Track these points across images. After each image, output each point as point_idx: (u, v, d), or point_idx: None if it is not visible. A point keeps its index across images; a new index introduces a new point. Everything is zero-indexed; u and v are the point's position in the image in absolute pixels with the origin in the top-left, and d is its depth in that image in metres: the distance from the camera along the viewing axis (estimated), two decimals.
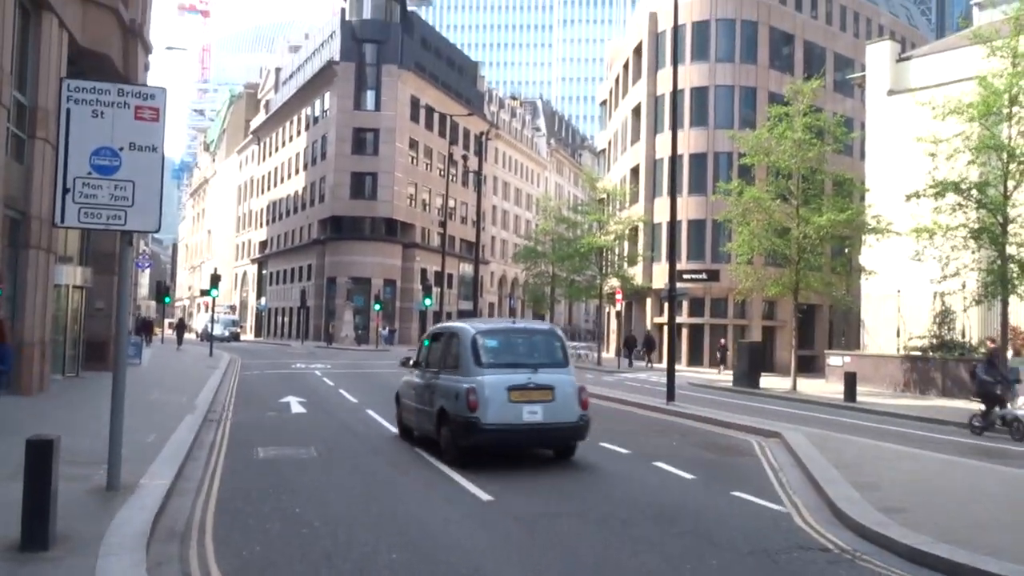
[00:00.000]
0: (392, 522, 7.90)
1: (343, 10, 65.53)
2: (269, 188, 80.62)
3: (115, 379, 8.45)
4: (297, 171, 71.97)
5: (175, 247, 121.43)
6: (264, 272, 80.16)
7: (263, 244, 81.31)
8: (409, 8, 71.71)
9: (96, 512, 7.29)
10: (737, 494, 9.53)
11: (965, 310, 25.98)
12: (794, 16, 46.70)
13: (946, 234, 21.12)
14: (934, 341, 28.13)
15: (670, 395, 19.57)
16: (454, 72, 74.16)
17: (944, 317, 28.11)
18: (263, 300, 78.03)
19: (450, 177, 50.93)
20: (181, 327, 50.77)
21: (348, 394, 20.87)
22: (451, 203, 64.10)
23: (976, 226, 20.74)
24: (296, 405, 18.01)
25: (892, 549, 7.23)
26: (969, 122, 20.79)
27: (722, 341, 40.11)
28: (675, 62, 22.66)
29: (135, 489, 8.17)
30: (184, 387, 19.79)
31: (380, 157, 62.29)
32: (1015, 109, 20.43)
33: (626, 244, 45.42)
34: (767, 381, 29.78)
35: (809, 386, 28.82)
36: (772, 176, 29.72)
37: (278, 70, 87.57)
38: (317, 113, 68.18)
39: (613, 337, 52.83)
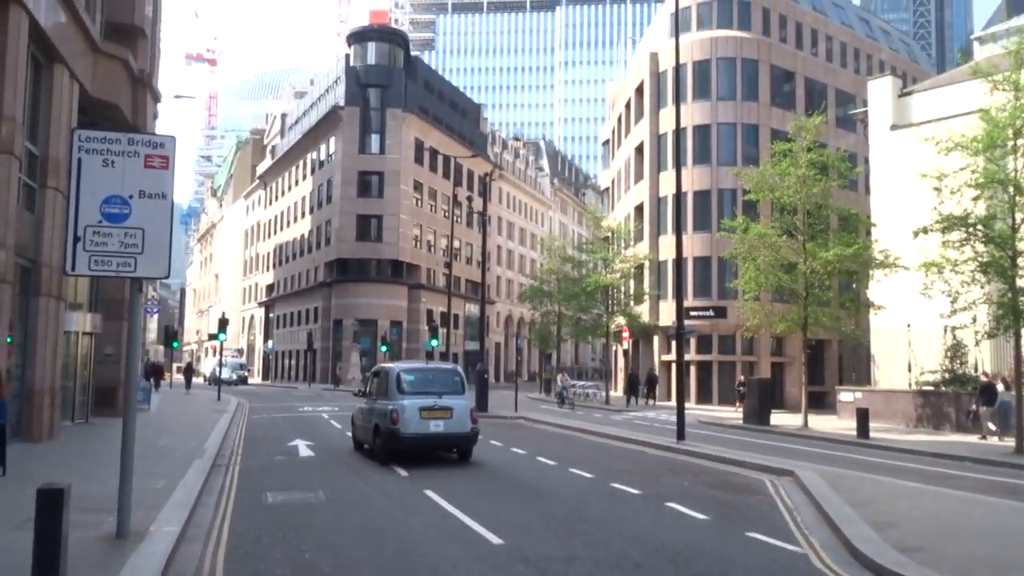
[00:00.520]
0: (403, 566, 7.82)
1: (348, 56, 66.41)
2: (275, 232, 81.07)
3: (125, 426, 8.43)
4: (303, 215, 72.40)
5: (183, 292, 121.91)
6: (271, 315, 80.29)
7: (270, 287, 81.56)
8: (412, 53, 72.64)
9: (106, 560, 7.23)
10: (752, 535, 9.42)
11: (977, 344, 25.82)
12: (794, 54, 47.11)
13: (955, 268, 21.06)
14: (946, 375, 27.93)
15: (680, 434, 19.43)
16: (457, 115, 74.89)
17: (955, 351, 27.94)
18: (270, 343, 78.06)
19: (455, 218, 51.23)
20: (189, 371, 51.04)
21: None
22: (456, 244, 64.34)
23: (985, 260, 20.66)
24: (304, 448, 17.92)
25: None
26: (973, 156, 20.84)
27: (741, 378, 38.55)
28: (677, 101, 22.87)
29: (145, 536, 8.11)
30: (193, 432, 19.72)
31: (385, 200, 62.69)
32: (1020, 142, 20.47)
33: (632, 282, 45.41)
34: (778, 418, 29.56)
35: (821, 423, 28.60)
36: (777, 212, 29.78)
37: (284, 116, 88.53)
38: (322, 157, 68.77)
39: (621, 376, 52.61)
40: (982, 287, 21.07)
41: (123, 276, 8.32)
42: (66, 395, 19.50)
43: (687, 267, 41.99)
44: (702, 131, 44.66)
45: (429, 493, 11.92)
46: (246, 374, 69.63)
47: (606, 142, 63.77)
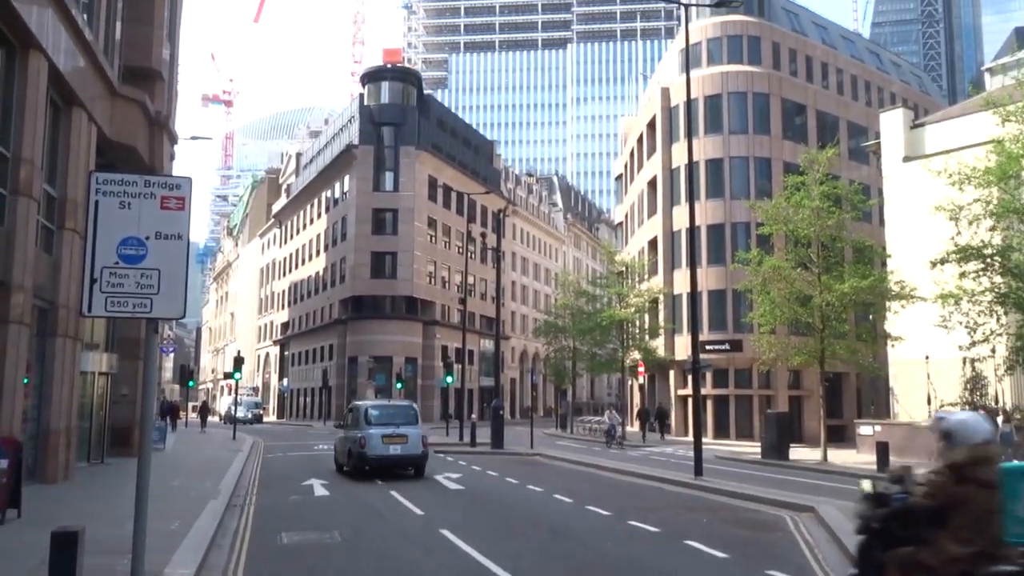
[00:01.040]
0: None
1: (362, 96, 67.20)
2: (291, 270, 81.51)
3: (140, 467, 8.40)
4: (318, 253, 72.82)
5: (199, 330, 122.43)
6: (286, 353, 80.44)
7: (285, 325, 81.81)
8: (425, 91, 73.41)
9: None
10: (773, 573, 9.26)
11: (998, 378, 25.53)
12: (805, 87, 47.30)
13: (972, 300, 20.90)
14: (966, 407, 27.57)
15: (698, 469, 19.22)
16: (470, 151, 75.42)
17: (975, 383, 27.62)
18: (285, 381, 78.10)
19: (469, 254, 51.39)
20: (205, 410, 51.22)
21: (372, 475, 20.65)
22: (470, 280, 64.43)
23: (1002, 291, 20.52)
24: (319, 487, 17.83)
25: None
26: (987, 187, 20.78)
27: (768, 412, 37.77)
28: (689, 136, 22.95)
29: None
30: (208, 472, 19.67)
31: (399, 236, 63.00)
32: None
33: (647, 316, 45.28)
34: (796, 452, 29.23)
35: (840, 456, 28.24)
36: (791, 245, 29.69)
37: (299, 155, 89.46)
38: (337, 195, 69.30)
39: (636, 410, 52.29)
40: (1000, 319, 20.89)
41: (139, 317, 8.35)
42: (82, 435, 19.53)
43: (702, 301, 41.85)
44: (715, 165, 44.78)
45: (445, 532, 11.81)
46: (261, 412, 69.64)
47: (619, 177, 64.00)
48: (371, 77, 68.11)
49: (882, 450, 23.14)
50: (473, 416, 42.57)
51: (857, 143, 46.40)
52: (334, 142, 72.22)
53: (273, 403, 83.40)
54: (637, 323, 44.51)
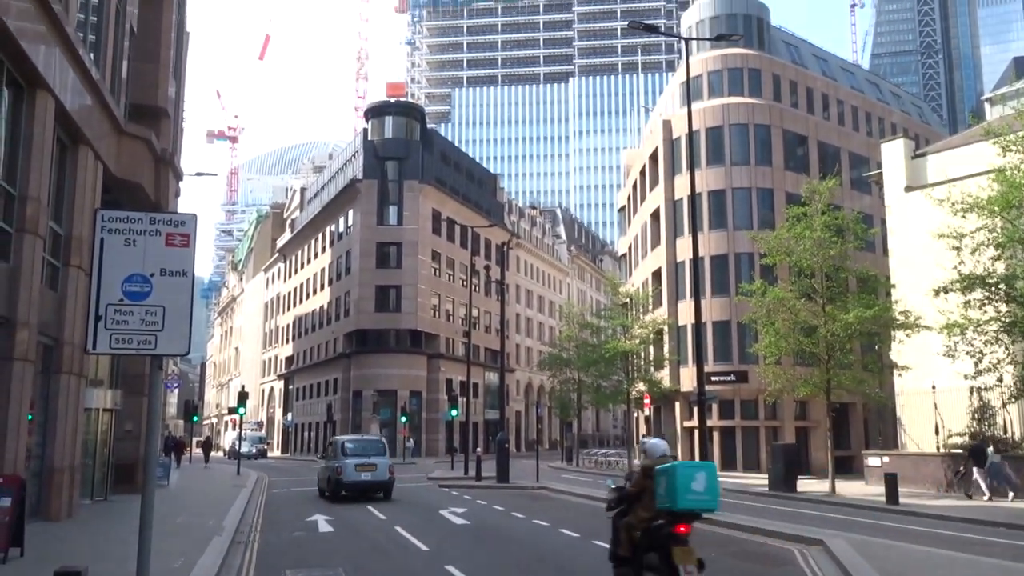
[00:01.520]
0: None
1: (365, 130, 67.73)
2: (295, 304, 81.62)
3: (143, 505, 8.36)
4: (322, 287, 72.95)
5: (203, 365, 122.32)
6: (290, 387, 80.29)
7: (289, 360, 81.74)
8: (429, 125, 73.96)
9: None
10: None
11: (1004, 406, 25.38)
12: (806, 118, 47.54)
13: (977, 329, 20.83)
14: (975, 438, 27.37)
15: None
16: (474, 185, 75.80)
17: (983, 413, 27.43)
18: (290, 416, 77.88)
19: (473, 287, 51.44)
20: (208, 445, 51.15)
21: (376, 510, 20.53)
22: (475, 313, 64.46)
23: (1007, 320, 20.45)
24: (324, 524, 17.71)
25: None
26: (990, 216, 20.80)
27: (775, 444, 37.04)
28: (692, 168, 23.07)
29: None
30: (212, 508, 19.56)
31: (403, 270, 63.12)
32: None
33: (651, 348, 45.16)
34: (804, 484, 28.99)
35: (848, 488, 28.01)
36: (795, 275, 29.68)
37: (303, 190, 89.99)
38: (341, 229, 69.57)
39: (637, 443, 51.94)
40: (1006, 347, 20.81)
41: (143, 354, 8.36)
42: (85, 473, 19.46)
43: (706, 332, 41.75)
44: (717, 196, 44.89)
45: (450, 569, 11.71)
46: (265, 447, 69.42)
47: (622, 208, 64.17)
48: (374, 112, 68.69)
49: (891, 481, 22.93)
50: (478, 450, 42.42)
51: (859, 173, 46.53)
52: (338, 177, 72.67)
53: (277, 438, 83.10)
54: (642, 355, 44.37)
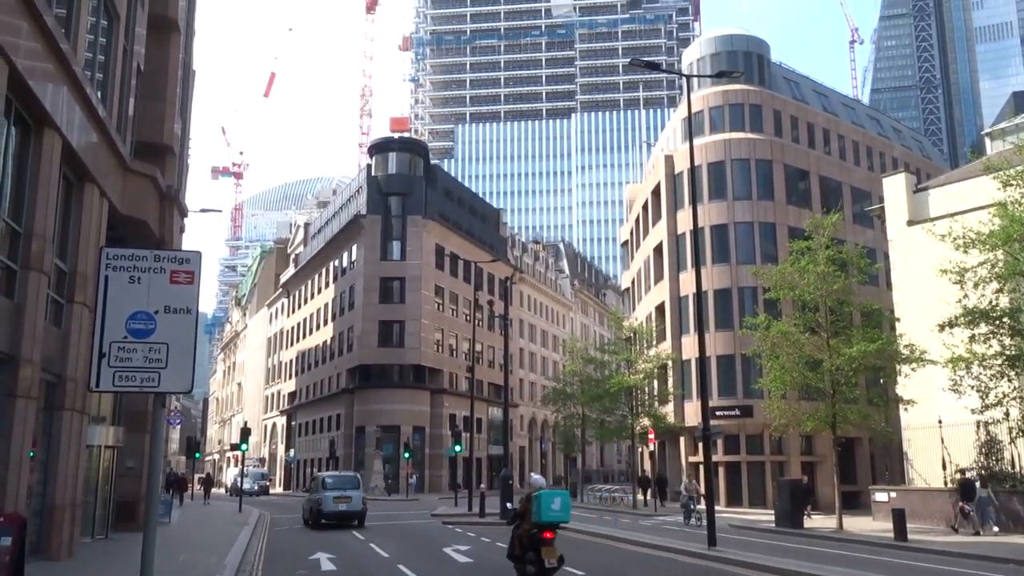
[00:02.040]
0: None
1: (369, 166, 68.16)
2: (298, 340, 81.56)
3: (145, 544, 8.30)
4: (325, 322, 72.95)
5: (206, 401, 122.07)
6: (293, 423, 79.97)
7: (292, 395, 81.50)
8: (432, 161, 74.41)
9: None
10: None
11: (1011, 440, 25.20)
12: (807, 153, 47.79)
13: (982, 363, 20.74)
14: (983, 473, 27.13)
15: (711, 539, 18.87)
16: (477, 220, 76.07)
17: (990, 447, 27.22)
18: (292, 452, 77.47)
19: (476, 322, 51.38)
20: (208, 482, 50.86)
21: (379, 548, 20.34)
22: (478, 347, 64.32)
23: (1013, 353, 20.38)
24: (326, 562, 17.53)
25: None
26: (992, 250, 20.81)
27: (804, 479, 34.72)
28: (694, 202, 23.15)
29: None
30: (214, 546, 19.40)
31: (407, 305, 63.14)
32: None
33: (655, 382, 45.01)
34: (811, 520, 28.72)
35: (856, 524, 27.74)
36: (799, 309, 29.65)
37: (307, 225, 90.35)
38: (345, 265, 69.72)
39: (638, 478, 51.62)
40: (1011, 381, 20.71)
41: (147, 391, 8.36)
42: (86, 510, 19.32)
43: (711, 366, 41.61)
44: (720, 230, 45.01)
45: None
46: (267, 484, 68.98)
47: (625, 243, 64.35)
48: (378, 148, 69.15)
49: (899, 517, 22.71)
50: (482, 485, 42.09)
51: (861, 207, 46.67)
52: (342, 212, 72.99)
53: (280, 474, 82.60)
54: (646, 389, 44.22)
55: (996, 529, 24.49)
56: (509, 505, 15.04)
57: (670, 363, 45.13)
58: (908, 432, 31.67)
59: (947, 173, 42.49)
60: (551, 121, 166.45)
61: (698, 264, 21.86)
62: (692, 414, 42.61)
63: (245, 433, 42.28)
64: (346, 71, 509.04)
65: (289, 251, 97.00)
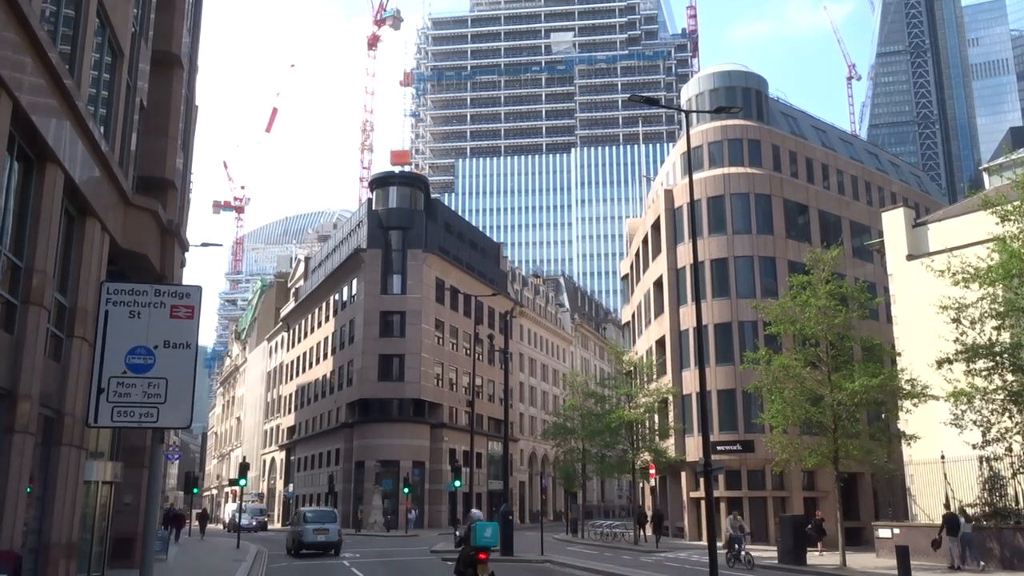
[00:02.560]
0: None
1: (370, 200, 68.43)
2: (298, 374, 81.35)
3: None
4: (325, 356, 72.80)
5: (204, 436, 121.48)
6: (292, 458, 79.49)
7: (291, 430, 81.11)
8: (433, 195, 74.74)
9: None
10: None
11: (1014, 476, 25.04)
12: (806, 188, 48.01)
13: (984, 398, 20.67)
14: (986, 509, 26.89)
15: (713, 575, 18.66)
16: (477, 254, 76.21)
17: (993, 483, 27.01)
18: (291, 487, 76.91)
19: (476, 356, 51.23)
20: (204, 517, 50.55)
21: None
22: (478, 381, 64.14)
23: (1014, 389, 20.31)
24: None
25: None
26: (991, 285, 20.83)
27: (817, 513, 34.52)
28: (694, 237, 23.23)
29: None
30: None
31: (407, 339, 63.03)
32: None
33: (656, 417, 44.82)
34: (814, 556, 28.44)
35: (859, 560, 27.48)
36: (799, 344, 29.61)
37: (307, 259, 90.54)
38: (345, 298, 69.72)
39: (649, 514, 51.20)
40: (1013, 417, 20.63)
41: (145, 427, 8.33)
42: (82, 547, 19.11)
43: (711, 400, 41.50)
44: (720, 264, 45.09)
45: None
46: (266, 520, 68.40)
47: (625, 277, 64.43)
48: (379, 182, 69.51)
49: (902, 554, 22.45)
50: None
51: (860, 242, 46.80)
52: (343, 246, 73.15)
53: (278, 510, 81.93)
54: (647, 424, 44.02)
55: (983, 564, 24.49)
56: (458, 533, 20.30)
57: (671, 397, 44.99)
58: (911, 468, 31.48)
59: (946, 208, 42.65)
60: (551, 156, 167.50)
61: (698, 298, 21.87)
62: (693, 449, 42.37)
63: (244, 468, 42.03)
64: (347, 106, 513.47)
65: (289, 285, 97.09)
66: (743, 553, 27.30)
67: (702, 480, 25.59)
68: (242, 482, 41.04)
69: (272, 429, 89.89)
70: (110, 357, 8.19)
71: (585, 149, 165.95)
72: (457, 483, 44.19)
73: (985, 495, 27.11)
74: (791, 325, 28.75)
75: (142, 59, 20.99)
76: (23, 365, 14.08)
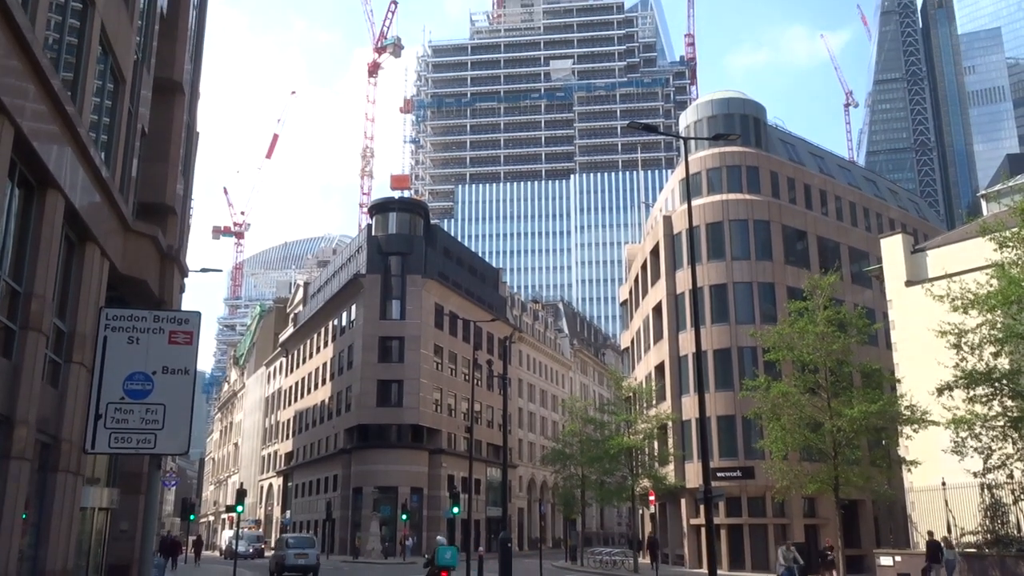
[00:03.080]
0: None
1: (370, 226, 68.57)
2: (296, 399, 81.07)
3: None
4: (324, 381, 72.59)
5: (202, 462, 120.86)
6: (290, 484, 79.03)
7: (289, 455, 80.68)
8: (432, 221, 74.90)
9: None
10: None
11: (1015, 502, 24.92)
12: (805, 214, 48.16)
13: (985, 424, 20.63)
14: (988, 536, 26.74)
15: None
16: (476, 279, 76.24)
17: (995, 510, 26.87)
18: (288, 514, 76.37)
19: (475, 381, 51.09)
20: (199, 544, 50.34)
21: None
22: (477, 407, 63.89)
23: (1015, 415, 20.26)
24: None
25: None
26: (990, 311, 20.85)
27: (827, 541, 33.56)
28: (693, 264, 23.26)
29: None
30: None
31: (406, 364, 62.86)
32: None
33: (656, 443, 44.64)
34: None
35: None
36: (798, 370, 29.57)
37: (307, 284, 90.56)
38: (344, 324, 69.64)
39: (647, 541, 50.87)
40: (1015, 443, 20.56)
41: (142, 453, 8.30)
42: (78, 574, 18.95)
43: (711, 427, 41.35)
44: (719, 290, 45.13)
45: None
46: (263, 547, 67.87)
47: (624, 302, 64.44)
48: (379, 208, 69.68)
49: None
50: (480, 548, 41.44)
51: (859, 268, 46.89)
52: (342, 271, 73.18)
53: (275, 537, 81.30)
54: (646, 450, 43.83)
55: None
56: (426, 555, 24.99)
57: (670, 423, 44.86)
58: (912, 494, 31.33)
59: (944, 234, 42.78)
60: (550, 182, 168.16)
61: (697, 324, 21.87)
62: (693, 475, 42.17)
63: (241, 494, 41.62)
64: (348, 132, 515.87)
65: (288, 310, 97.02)
66: None
67: (702, 507, 25.45)
68: (239, 508, 40.67)
69: (270, 455, 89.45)
70: (108, 383, 8.19)
71: (584, 175, 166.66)
72: (456, 510, 43.85)
73: (987, 522, 26.98)
74: (789, 351, 28.73)
75: (144, 86, 21.12)
76: (21, 391, 14.02)
